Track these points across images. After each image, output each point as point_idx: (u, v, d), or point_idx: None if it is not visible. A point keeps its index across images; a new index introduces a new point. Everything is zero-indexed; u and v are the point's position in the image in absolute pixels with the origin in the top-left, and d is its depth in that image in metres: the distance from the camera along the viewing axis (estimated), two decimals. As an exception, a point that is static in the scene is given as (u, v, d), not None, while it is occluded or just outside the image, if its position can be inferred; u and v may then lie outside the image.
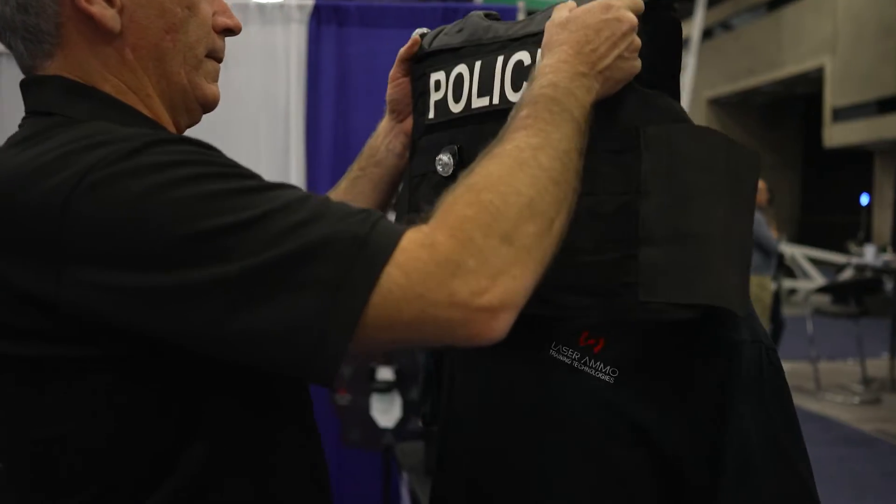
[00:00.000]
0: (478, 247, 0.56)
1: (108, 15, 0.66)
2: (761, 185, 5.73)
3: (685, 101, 9.65)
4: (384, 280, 0.54)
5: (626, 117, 0.75)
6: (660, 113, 0.75)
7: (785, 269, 7.00)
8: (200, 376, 0.63)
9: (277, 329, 0.54)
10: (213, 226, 0.55)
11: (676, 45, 0.79)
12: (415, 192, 0.91)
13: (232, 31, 0.78)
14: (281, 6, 2.87)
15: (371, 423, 2.47)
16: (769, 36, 13.83)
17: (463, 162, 0.81)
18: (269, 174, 2.85)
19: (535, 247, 0.59)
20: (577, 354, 0.82)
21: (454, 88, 0.85)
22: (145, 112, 0.72)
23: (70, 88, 0.68)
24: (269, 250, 0.55)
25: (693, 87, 9.76)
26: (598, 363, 0.80)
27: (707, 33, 13.55)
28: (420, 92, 0.91)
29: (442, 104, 0.87)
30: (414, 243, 0.56)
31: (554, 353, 0.83)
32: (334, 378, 0.56)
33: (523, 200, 0.59)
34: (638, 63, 0.73)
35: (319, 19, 2.87)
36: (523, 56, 0.79)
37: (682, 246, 0.72)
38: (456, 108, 0.85)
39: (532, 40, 0.79)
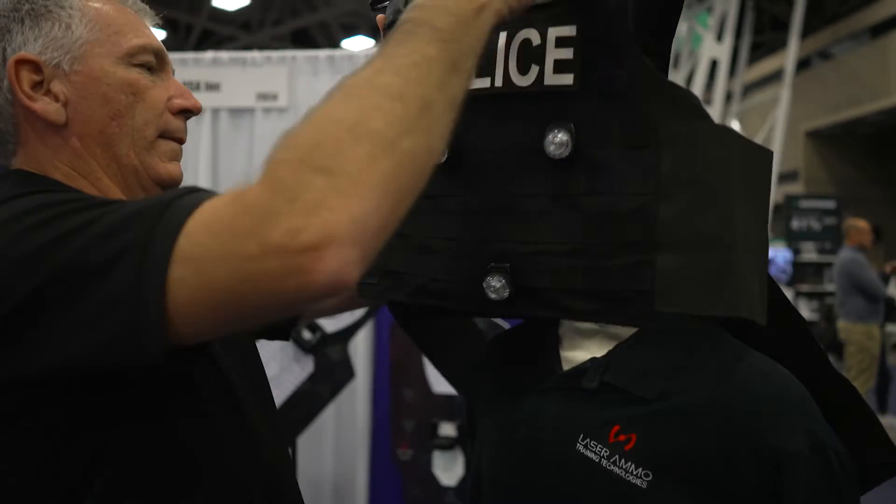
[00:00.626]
0: (287, 186, 0.49)
1: (51, 110, 0.71)
2: (863, 224, 5.30)
3: (779, 135, 9.24)
4: (186, 244, 0.50)
5: (643, 110, 0.67)
6: (678, 106, 0.67)
7: (894, 314, 6.47)
8: (100, 409, 0.61)
9: (90, 321, 0.53)
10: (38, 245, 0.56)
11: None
12: None
13: (190, 111, 0.79)
14: (350, 56, 2.92)
15: (433, 480, 2.39)
16: (873, 63, 13.09)
17: (462, 148, 0.74)
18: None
19: (365, 171, 0.50)
20: (606, 451, 0.74)
21: None
22: (101, 155, 0.75)
23: (24, 178, 0.72)
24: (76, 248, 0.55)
25: (788, 120, 9.33)
26: (630, 464, 0.72)
27: (803, 63, 12.99)
28: None
29: None
30: (220, 202, 0.52)
31: (581, 448, 0.75)
32: (161, 354, 0.52)
33: (343, 125, 0.52)
34: None
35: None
36: (531, 35, 0.71)
37: (704, 252, 0.66)
38: None
39: (540, 16, 0.70)
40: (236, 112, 2.96)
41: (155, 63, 0.77)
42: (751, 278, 0.69)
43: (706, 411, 0.74)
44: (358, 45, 10.75)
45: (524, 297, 0.73)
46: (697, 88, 8.56)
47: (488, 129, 0.74)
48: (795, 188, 13.31)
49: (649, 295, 0.66)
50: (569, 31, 0.69)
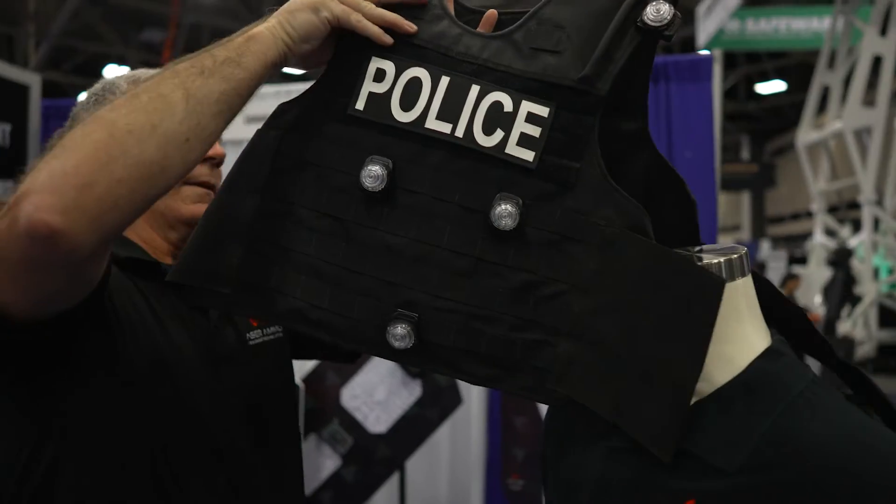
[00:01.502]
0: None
1: None
2: None
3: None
4: None
5: (588, 209, 0.70)
6: (623, 215, 0.69)
7: None
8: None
9: None
10: None
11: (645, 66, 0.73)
12: (296, 178, 0.76)
13: (214, 158, 0.89)
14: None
15: (544, 514, 2.30)
16: None
17: (394, 183, 0.73)
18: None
19: (77, 139, 0.62)
20: None
21: (405, 93, 0.74)
22: (135, 238, 0.91)
23: None
24: None
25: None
26: None
27: None
28: (348, 69, 0.76)
29: (380, 101, 0.74)
30: None
31: None
32: None
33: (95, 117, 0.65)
34: (313, 18, 0.73)
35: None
36: (504, 99, 0.71)
37: (597, 352, 0.68)
38: (402, 116, 0.73)
39: (516, 83, 0.71)
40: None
41: None
42: (651, 405, 0.66)
43: (804, 491, 0.62)
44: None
45: (424, 350, 0.73)
46: (858, 88, 7.77)
47: (433, 174, 0.73)
48: None
49: (543, 372, 0.70)
50: (542, 110, 0.71)
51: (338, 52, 0.78)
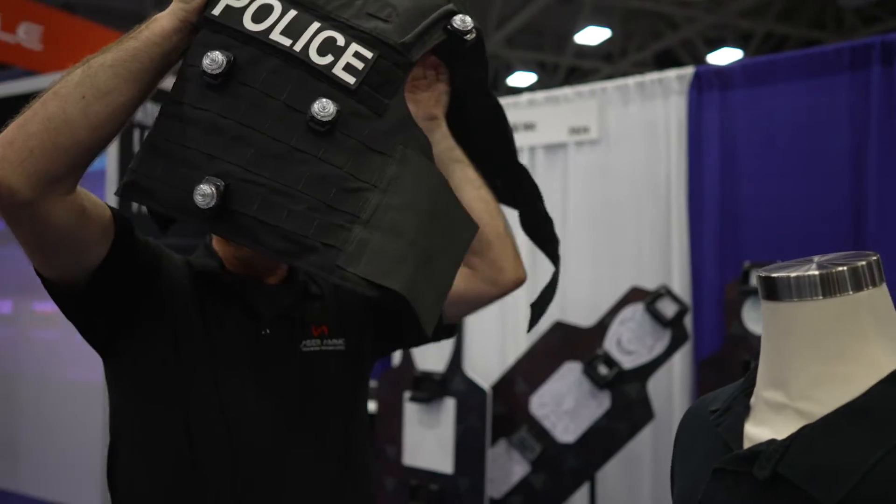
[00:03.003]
0: None
1: None
2: None
3: None
4: None
5: (391, 132, 0.88)
6: (418, 143, 0.90)
7: None
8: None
9: None
10: None
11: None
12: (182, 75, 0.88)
13: None
14: (660, 80, 2.79)
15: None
16: None
17: (231, 76, 0.85)
18: (652, 255, 2.75)
19: (20, 118, 0.83)
20: None
21: (257, 12, 0.87)
22: (218, 251, 1.11)
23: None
24: None
25: None
26: None
27: None
28: None
29: (234, 12, 0.87)
30: None
31: None
32: None
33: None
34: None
35: (700, 87, 2.69)
36: (338, 37, 0.88)
37: (391, 240, 0.83)
38: (251, 26, 0.87)
39: (351, 32, 0.88)
40: (551, 148, 3.06)
41: None
42: (427, 284, 0.84)
43: None
44: (724, 57, 10.10)
45: (227, 218, 0.83)
46: None
47: (269, 75, 0.86)
48: None
49: (335, 251, 0.81)
50: (367, 53, 0.88)
51: None
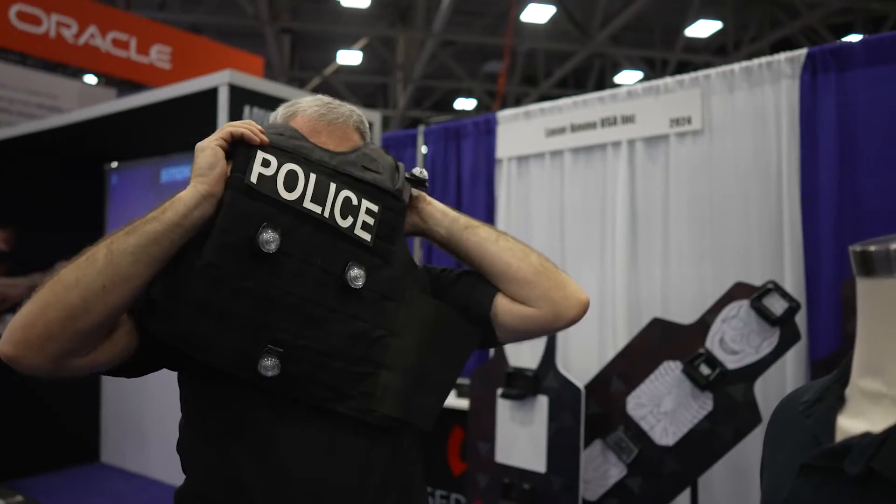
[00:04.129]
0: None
1: None
2: None
3: None
4: None
5: (398, 276, 1.07)
6: (419, 281, 1.11)
7: None
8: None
9: None
10: None
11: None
12: (223, 243, 0.93)
13: None
14: (769, 64, 2.62)
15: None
16: None
17: (281, 245, 0.96)
18: (761, 250, 2.61)
19: (35, 296, 0.89)
20: None
21: (287, 179, 0.98)
22: None
23: None
24: None
25: None
26: None
27: None
28: (242, 158, 0.98)
29: (269, 181, 0.97)
30: None
31: None
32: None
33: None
34: (207, 151, 0.97)
35: (814, 69, 2.50)
36: (351, 196, 1.03)
37: (403, 377, 1.04)
38: (287, 195, 0.98)
39: (358, 186, 1.04)
40: (651, 140, 2.95)
41: None
42: (430, 399, 1.08)
43: None
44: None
45: (281, 378, 0.97)
46: None
47: (304, 243, 0.98)
48: None
49: (367, 397, 1.02)
50: (374, 207, 1.05)
51: (234, 152, 0.99)
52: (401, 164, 1.13)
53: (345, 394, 1.00)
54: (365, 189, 1.04)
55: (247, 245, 0.93)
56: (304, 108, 1.12)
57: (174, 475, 3.86)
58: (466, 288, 1.14)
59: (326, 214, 0.99)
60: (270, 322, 0.96)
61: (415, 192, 1.14)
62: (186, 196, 0.93)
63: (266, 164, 0.97)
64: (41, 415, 4.49)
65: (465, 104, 14.06)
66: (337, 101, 1.15)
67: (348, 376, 1.00)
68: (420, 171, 1.13)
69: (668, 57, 11.15)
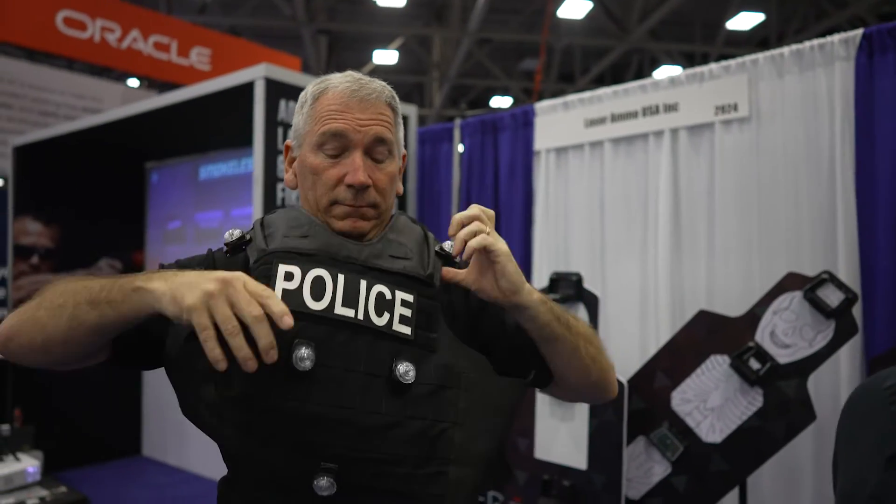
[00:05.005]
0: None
1: (289, 179, 1.13)
2: None
3: None
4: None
5: (450, 363, 0.97)
6: (474, 363, 0.99)
7: None
8: None
9: None
10: None
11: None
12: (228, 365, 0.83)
13: (353, 186, 1.01)
14: (821, 46, 2.51)
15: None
16: None
17: (318, 358, 0.89)
18: (812, 240, 2.50)
19: (18, 312, 0.96)
20: None
21: (313, 287, 0.92)
22: (308, 211, 1.08)
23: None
24: None
25: None
26: None
27: None
28: (262, 277, 0.92)
29: (294, 295, 0.91)
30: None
31: None
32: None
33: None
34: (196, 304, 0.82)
35: (871, 50, 2.38)
36: (384, 290, 0.95)
37: (474, 468, 0.96)
38: (315, 305, 0.91)
39: (389, 278, 0.97)
40: (695, 129, 2.86)
41: (334, 149, 1.03)
42: (487, 473, 0.99)
43: None
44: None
45: (341, 492, 0.90)
46: None
47: (342, 350, 0.91)
48: None
49: (441, 498, 0.93)
50: (409, 297, 0.96)
51: (251, 270, 0.94)
52: (430, 235, 1.08)
53: (415, 498, 0.92)
54: (396, 280, 0.97)
55: (281, 366, 0.86)
56: (335, 84, 1.06)
57: (213, 469, 3.87)
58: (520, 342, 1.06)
59: (361, 316, 0.92)
60: (320, 440, 0.89)
61: (506, 284, 0.98)
62: (147, 300, 0.84)
63: (289, 277, 0.92)
64: (85, 409, 4.57)
65: (501, 102, 13.98)
66: (367, 77, 1.08)
67: (416, 481, 0.92)
68: (451, 245, 1.05)
69: (708, 51, 10.92)
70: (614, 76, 12.65)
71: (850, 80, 2.41)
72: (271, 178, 3.13)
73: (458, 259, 1.03)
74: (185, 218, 4.77)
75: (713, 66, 2.80)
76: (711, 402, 2.17)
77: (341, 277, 0.93)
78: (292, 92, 3.12)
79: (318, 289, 0.92)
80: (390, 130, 1.05)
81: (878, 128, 2.36)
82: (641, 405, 2.30)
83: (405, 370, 0.92)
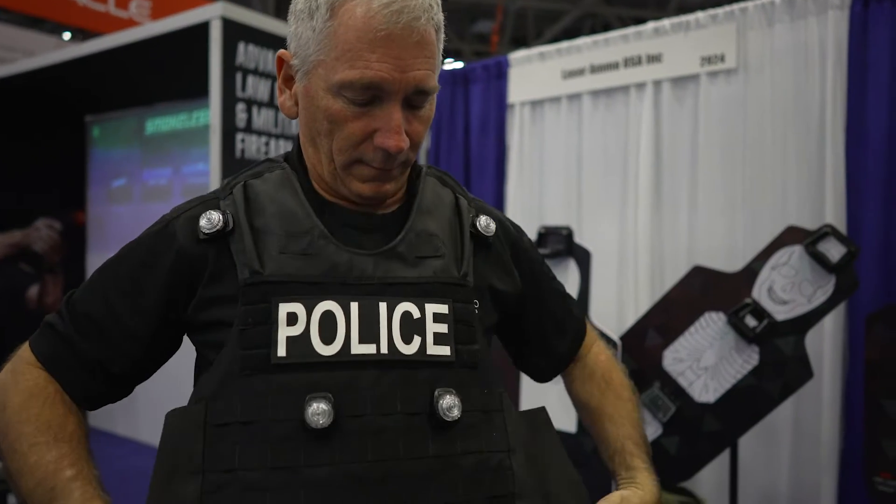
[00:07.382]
0: None
1: (286, 105, 0.86)
2: None
3: None
4: None
5: (490, 384, 0.82)
6: (499, 377, 0.86)
7: None
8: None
9: None
10: None
11: None
12: (234, 443, 0.73)
13: (387, 150, 0.78)
14: (811, -7, 2.43)
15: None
16: None
17: (339, 412, 0.73)
18: (799, 194, 2.43)
19: None
20: None
21: (322, 328, 0.76)
22: (314, 161, 0.86)
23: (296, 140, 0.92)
24: None
25: None
26: None
27: None
28: (259, 320, 0.75)
29: (301, 342, 0.75)
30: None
31: None
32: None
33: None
34: None
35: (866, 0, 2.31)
36: (410, 308, 0.78)
37: (541, 496, 0.83)
38: (327, 350, 0.75)
39: (414, 290, 0.79)
40: (679, 81, 2.76)
41: (363, 98, 0.76)
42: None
43: None
44: None
45: None
46: None
47: (371, 393, 0.75)
48: None
49: None
50: (442, 307, 0.80)
51: (240, 295, 0.77)
52: (462, 203, 0.89)
53: None
54: (425, 289, 0.80)
55: (299, 429, 0.73)
56: None
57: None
58: (555, 321, 1.01)
59: (385, 349, 0.76)
60: (365, 500, 0.74)
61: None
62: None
63: (293, 320, 0.76)
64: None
65: (452, 66, 13.73)
66: None
67: None
68: (488, 222, 0.90)
69: (661, 17, 10.91)
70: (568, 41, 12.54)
71: (844, 29, 2.35)
72: (230, 130, 2.89)
73: (490, 239, 0.89)
74: (130, 175, 4.46)
75: (700, 14, 2.69)
76: (705, 360, 2.10)
77: (354, 306, 0.77)
78: (254, 35, 2.88)
79: (328, 328, 0.76)
80: (434, 70, 0.80)
81: (872, 80, 2.31)
82: (632, 365, 2.22)
83: (449, 405, 0.76)
